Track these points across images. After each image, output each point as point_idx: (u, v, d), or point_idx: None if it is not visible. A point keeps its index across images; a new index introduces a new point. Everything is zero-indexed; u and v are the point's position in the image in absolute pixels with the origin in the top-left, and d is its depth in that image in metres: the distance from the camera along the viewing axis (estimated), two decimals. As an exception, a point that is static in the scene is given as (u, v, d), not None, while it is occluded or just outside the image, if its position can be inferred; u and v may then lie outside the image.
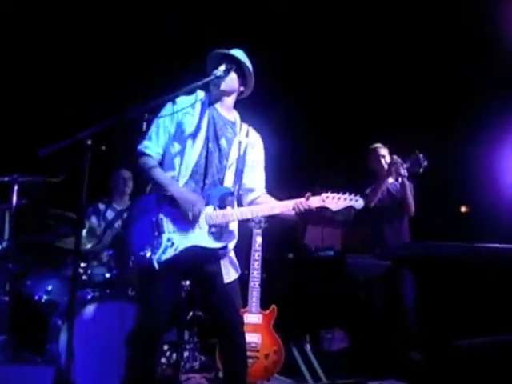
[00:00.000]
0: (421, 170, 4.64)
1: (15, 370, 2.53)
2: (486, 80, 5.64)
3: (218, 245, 3.10)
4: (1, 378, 2.44)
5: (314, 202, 3.11)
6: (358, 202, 3.11)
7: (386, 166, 4.84)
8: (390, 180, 4.89)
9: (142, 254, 3.03)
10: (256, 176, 3.40)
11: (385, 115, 6.08)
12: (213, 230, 3.10)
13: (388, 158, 4.91)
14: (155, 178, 3.15)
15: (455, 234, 3.97)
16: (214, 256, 3.18)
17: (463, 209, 6.69)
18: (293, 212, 3.13)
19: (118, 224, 4.84)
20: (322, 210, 3.14)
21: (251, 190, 3.37)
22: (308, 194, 3.09)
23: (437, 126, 5.89)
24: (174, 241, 3.06)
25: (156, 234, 3.06)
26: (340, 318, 5.09)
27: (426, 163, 4.63)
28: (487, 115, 5.80)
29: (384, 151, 4.99)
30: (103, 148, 2.87)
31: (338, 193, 3.13)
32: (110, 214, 4.87)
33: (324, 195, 3.12)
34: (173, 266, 3.07)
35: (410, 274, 4.56)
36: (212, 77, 3.15)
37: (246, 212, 3.17)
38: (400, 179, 4.79)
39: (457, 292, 3.79)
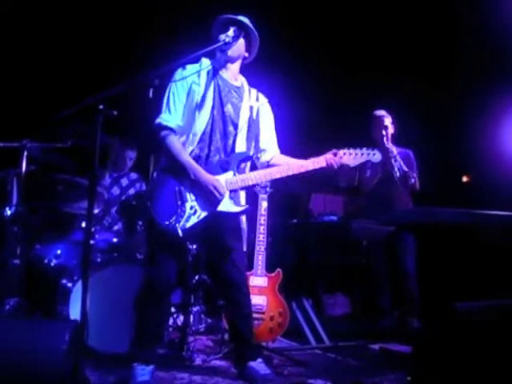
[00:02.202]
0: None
1: (32, 325, 2.61)
2: (490, 50, 5.64)
3: (239, 208, 3.22)
4: (18, 332, 2.52)
5: (332, 160, 3.18)
6: (376, 156, 3.16)
7: (385, 138, 4.72)
8: (395, 151, 4.73)
9: (166, 223, 3.13)
10: (267, 137, 3.49)
11: (388, 86, 6.06)
12: (232, 194, 3.22)
13: (391, 129, 4.81)
14: (178, 160, 3.18)
15: (456, 204, 4.02)
16: (235, 220, 3.29)
17: (465, 179, 6.73)
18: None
19: (115, 190, 4.93)
20: (342, 166, 3.20)
21: (263, 151, 3.47)
22: (332, 150, 3.19)
23: (439, 95, 5.90)
24: (196, 208, 3.17)
25: (179, 203, 3.17)
26: (342, 282, 5.19)
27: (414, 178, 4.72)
28: (489, 84, 5.82)
29: (387, 121, 4.84)
30: (115, 113, 2.91)
31: (355, 148, 3.18)
32: (106, 181, 4.95)
33: (341, 151, 3.19)
34: (195, 232, 3.21)
35: (413, 240, 4.62)
36: (221, 42, 3.20)
37: (267, 174, 3.25)
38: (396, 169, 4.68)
39: (458, 258, 3.86)
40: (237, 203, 3.23)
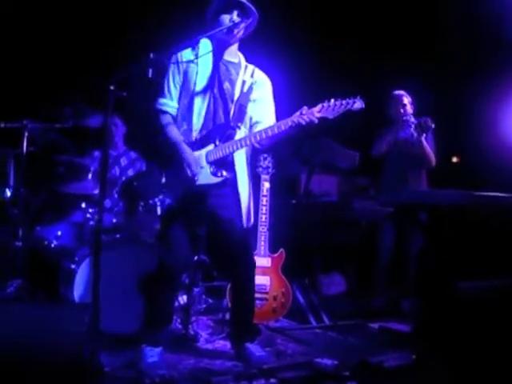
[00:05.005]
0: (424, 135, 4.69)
1: (50, 309, 2.61)
2: (482, 34, 5.68)
3: (217, 180, 3.22)
4: (37, 316, 2.51)
5: (311, 114, 3.04)
6: (356, 104, 2.97)
7: (405, 116, 4.77)
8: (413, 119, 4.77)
9: (151, 201, 3.18)
10: (263, 109, 3.44)
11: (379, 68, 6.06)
12: (213, 166, 3.22)
13: (409, 108, 4.86)
14: (167, 137, 3.28)
15: (446, 185, 4.07)
16: (221, 191, 3.28)
17: (454, 159, 6.79)
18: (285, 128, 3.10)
19: (115, 170, 4.89)
20: (322, 119, 3.03)
21: (258, 123, 3.41)
22: (304, 107, 3.07)
23: (429, 76, 5.91)
24: (178, 184, 3.21)
25: (163, 180, 3.18)
26: (339, 262, 5.24)
27: (432, 126, 4.65)
28: (481, 65, 5.87)
29: (406, 100, 4.90)
30: (124, 94, 2.89)
31: (335, 100, 3.01)
32: None
33: (319, 105, 3.04)
34: (181, 207, 3.22)
35: (421, 222, 4.66)
36: (230, 24, 3.18)
37: (244, 140, 3.20)
38: (414, 136, 4.71)
39: (458, 238, 3.91)
40: (216, 174, 3.22)
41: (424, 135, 4.67)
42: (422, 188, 4.85)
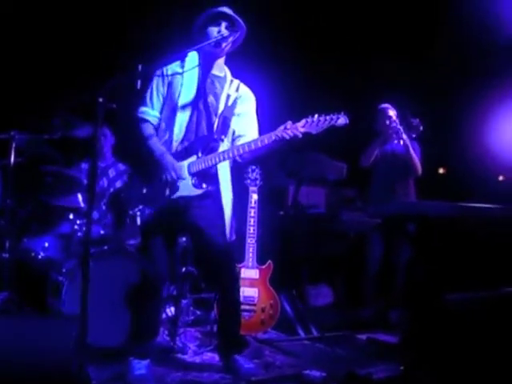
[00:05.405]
0: (413, 135, 4.75)
1: (38, 323, 2.59)
2: (470, 46, 5.73)
3: (199, 191, 3.22)
4: (24, 330, 2.49)
5: (295, 129, 3.05)
6: (340, 120, 2.96)
7: (391, 126, 4.84)
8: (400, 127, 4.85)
9: (130, 212, 3.17)
10: (246, 124, 3.44)
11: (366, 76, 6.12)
12: (195, 178, 3.22)
13: (395, 120, 4.88)
14: (150, 148, 3.27)
15: (433, 195, 4.09)
16: (202, 203, 3.28)
17: (441, 170, 6.85)
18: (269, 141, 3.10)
19: (103, 181, 4.87)
20: (305, 134, 3.04)
21: (241, 136, 3.41)
22: (288, 122, 3.08)
23: (415, 87, 5.96)
24: (159, 195, 3.20)
25: (144, 191, 3.19)
26: (326, 273, 5.24)
27: (421, 128, 4.71)
28: (467, 77, 5.93)
29: (391, 112, 4.96)
30: (114, 106, 2.88)
31: (319, 115, 3.01)
32: None
33: (303, 120, 3.05)
34: (162, 218, 3.20)
35: (409, 233, 4.69)
36: (218, 37, 3.19)
37: (227, 152, 3.20)
38: (402, 141, 4.78)
39: (446, 250, 3.93)
40: (198, 186, 3.22)
41: (413, 135, 4.75)
42: (411, 198, 4.89)
